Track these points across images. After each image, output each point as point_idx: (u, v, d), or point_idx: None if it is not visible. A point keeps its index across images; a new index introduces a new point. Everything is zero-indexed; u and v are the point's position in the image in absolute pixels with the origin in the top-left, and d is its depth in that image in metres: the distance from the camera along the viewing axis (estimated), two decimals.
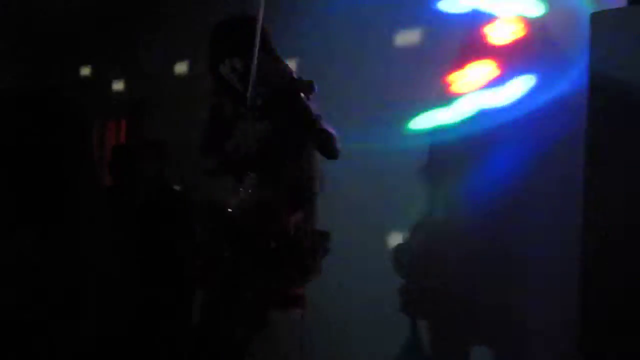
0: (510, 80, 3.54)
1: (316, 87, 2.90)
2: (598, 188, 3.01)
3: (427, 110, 3.77)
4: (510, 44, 3.59)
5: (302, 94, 2.88)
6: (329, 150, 2.94)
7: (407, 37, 3.98)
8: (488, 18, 3.64)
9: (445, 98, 3.70)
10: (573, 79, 3.28)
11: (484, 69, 3.62)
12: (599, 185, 3.01)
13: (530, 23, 3.54)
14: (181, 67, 5.09)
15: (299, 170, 2.97)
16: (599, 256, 2.97)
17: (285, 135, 2.94)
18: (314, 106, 2.92)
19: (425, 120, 3.79)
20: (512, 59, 3.54)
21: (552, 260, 3.33)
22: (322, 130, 2.92)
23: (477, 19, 3.66)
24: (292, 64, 3.25)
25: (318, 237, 2.99)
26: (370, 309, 3.82)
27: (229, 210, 2.92)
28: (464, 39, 3.70)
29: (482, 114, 3.59)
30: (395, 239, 3.86)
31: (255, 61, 2.87)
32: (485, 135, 3.52)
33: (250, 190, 2.92)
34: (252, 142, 2.92)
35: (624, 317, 2.87)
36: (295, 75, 2.96)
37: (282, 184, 2.95)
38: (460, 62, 3.68)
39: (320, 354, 3.46)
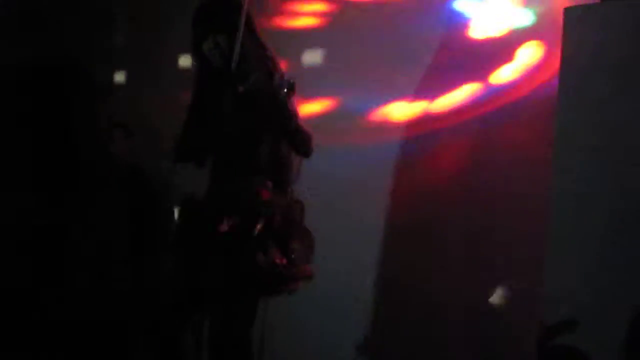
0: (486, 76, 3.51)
1: (296, 87, 2.89)
2: (567, 185, 2.97)
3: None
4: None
5: (281, 93, 2.86)
6: (303, 149, 2.98)
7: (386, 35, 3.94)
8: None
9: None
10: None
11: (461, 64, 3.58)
12: (567, 182, 2.97)
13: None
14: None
15: (274, 156, 2.95)
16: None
17: (262, 127, 2.93)
18: (293, 103, 2.92)
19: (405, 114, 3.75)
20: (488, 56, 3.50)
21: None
22: (297, 130, 2.94)
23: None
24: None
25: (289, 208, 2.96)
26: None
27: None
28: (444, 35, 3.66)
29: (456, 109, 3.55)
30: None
31: (240, 34, 2.84)
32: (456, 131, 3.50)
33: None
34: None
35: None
36: (277, 68, 2.95)
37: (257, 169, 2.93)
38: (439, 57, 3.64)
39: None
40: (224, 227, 2.81)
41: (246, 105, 2.92)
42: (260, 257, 2.80)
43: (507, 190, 3.37)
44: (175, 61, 4.35)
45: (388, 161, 3.72)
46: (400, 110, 3.75)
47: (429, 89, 3.65)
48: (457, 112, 3.55)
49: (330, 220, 3.49)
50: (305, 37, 4.01)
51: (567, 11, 3.04)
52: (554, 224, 2.99)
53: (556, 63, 3.06)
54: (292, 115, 2.93)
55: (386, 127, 3.76)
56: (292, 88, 2.87)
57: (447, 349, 3.51)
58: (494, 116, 3.43)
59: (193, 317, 2.92)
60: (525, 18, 3.43)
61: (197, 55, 2.98)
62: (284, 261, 2.83)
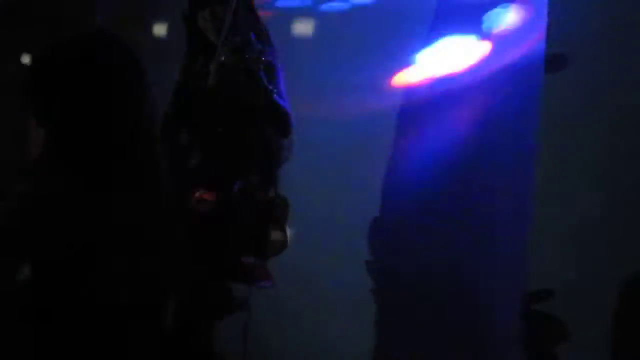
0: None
1: (266, 58, 2.82)
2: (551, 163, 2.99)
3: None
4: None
5: (253, 64, 2.82)
6: (279, 128, 2.88)
7: None
8: None
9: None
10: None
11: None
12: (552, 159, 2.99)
13: None
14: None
15: (260, 141, 2.89)
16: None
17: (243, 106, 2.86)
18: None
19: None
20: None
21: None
22: (273, 103, 2.85)
23: None
24: None
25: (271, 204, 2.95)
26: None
27: None
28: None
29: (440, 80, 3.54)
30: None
31: (232, 6, 2.79)
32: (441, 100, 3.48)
33: None
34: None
35: None
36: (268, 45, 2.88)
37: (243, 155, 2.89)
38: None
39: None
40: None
41: (226, 78, 2.88)
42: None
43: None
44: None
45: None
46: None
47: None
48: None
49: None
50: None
51: None
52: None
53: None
54: (264, 89, 2.82)
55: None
56: (261, 61, 2.80)
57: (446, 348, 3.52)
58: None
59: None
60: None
61: (191, 28, 2.91)
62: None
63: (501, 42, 3.38)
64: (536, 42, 3.17)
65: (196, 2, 2.90)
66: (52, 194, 1.56)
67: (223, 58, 2.85)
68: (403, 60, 3.59)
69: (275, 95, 2.83)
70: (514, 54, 3.33)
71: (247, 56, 2.79)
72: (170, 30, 4.34)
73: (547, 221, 2.93)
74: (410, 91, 3.59)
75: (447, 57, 3.47)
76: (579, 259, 2.89)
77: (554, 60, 2.91)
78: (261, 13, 3.01)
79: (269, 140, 2.91)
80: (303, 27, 3.85)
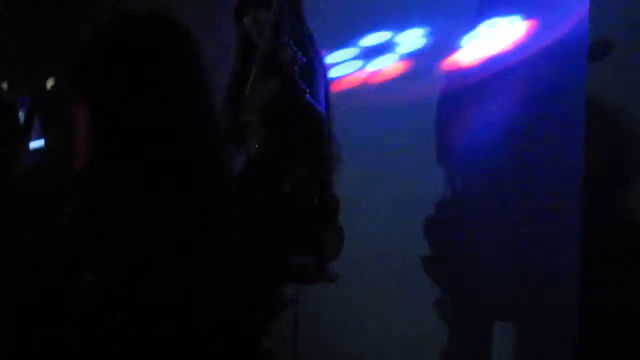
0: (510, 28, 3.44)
1: (299, 61, 2.84)
2: (598, 142, 2.94)
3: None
4: None
5: (289, 65, 2.83)
6: (313, 128, 2.90)
7: None
8: None
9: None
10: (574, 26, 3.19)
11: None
12: (599, 139, 2.95)
13: None
14: None
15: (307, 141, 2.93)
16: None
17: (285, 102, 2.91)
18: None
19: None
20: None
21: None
22: (305, 105, 2.87)
23: None
24: None
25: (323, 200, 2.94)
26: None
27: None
28: None
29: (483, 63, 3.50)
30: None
31: (276, 10, 2.83)
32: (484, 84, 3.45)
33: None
34: (257, 99, 2.91)
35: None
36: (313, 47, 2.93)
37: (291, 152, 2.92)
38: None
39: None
40: None
41: (267, 79, 2.92)
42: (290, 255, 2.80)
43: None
44: None
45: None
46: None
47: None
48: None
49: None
50: None
51: None
52: None
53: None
54: (300, 89, 2.84)
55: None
56: (294, 61, 2.81)
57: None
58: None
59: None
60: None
61: (239, 25, 3.02)
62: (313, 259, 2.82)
63: (544, 24, 3.35)
64: (578, 26, 3.14)
65: (243, 5, 2.99)
66: (104, 200, 1.45)
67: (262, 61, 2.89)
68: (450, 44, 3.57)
69: (307, 96, 2.84)
70: (555, 38, 3.30)
71: (280, 59, 2.79)
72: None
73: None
74: (457, 76, 3.57)
75: (492, 39, 3.44)
76: None
77: (598, 47, 2.86)
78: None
79: (314, 139, 2.94)
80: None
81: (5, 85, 4.18)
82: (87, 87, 1.48)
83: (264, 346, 2.84)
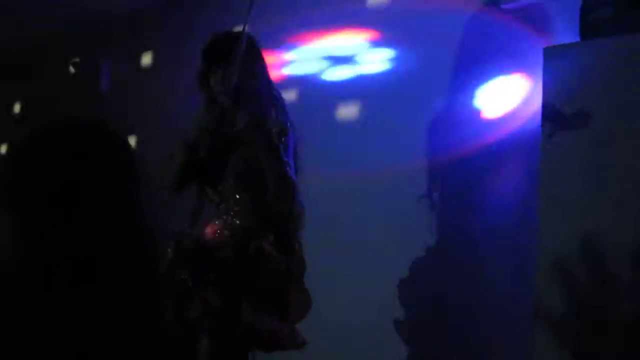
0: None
1: (288, 133, 2.88)
2: (550, 225, 2.99)
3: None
4: None
5: (274, 139, 2.85)
6: (286, 196, 2.90)
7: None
8: None
9: None
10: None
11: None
12: (551, 221, 2.99)
13: None
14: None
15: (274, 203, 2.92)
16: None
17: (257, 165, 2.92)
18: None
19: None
20: None
21: None
22: (285, 177, 2.88)
23: None
24: None
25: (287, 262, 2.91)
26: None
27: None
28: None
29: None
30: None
31: (235, 70, 2.86)
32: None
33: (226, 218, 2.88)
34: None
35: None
36: (281, 111, 2.95)
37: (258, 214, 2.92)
38: None
39: None
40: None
41: (240, 147, 2.93)
42: (251, 315, 2.75)
43: None
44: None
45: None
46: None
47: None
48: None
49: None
50: None
51: (546, 50, 3.07)
52: None
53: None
54: (283, 161, 2.87)
55: None
56: (283, 133, 2.85)
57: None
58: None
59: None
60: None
61: (205, 88, 3.03)
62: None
63: None
64: None
65: (207, 65, 3.00)
66: None
67: (240, 126, 2.89)
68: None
69: (287, 168, 2.85)
70: None
71: (270, 128, 2.81)
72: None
73: None
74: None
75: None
76: None
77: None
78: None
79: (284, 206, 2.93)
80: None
81: None
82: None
83: None
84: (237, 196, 2.92)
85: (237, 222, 2.90)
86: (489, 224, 3.46)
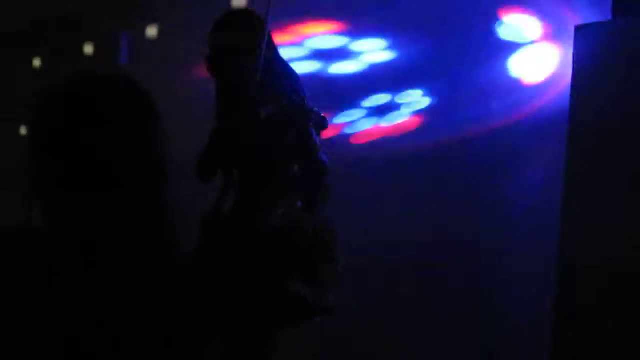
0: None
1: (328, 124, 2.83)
2: (576, 205, 2.97)
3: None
4: None
5: (310, 126, 2.81)
6: (318, 179, 2.88)
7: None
8: None
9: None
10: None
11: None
12: (577, 202, 2.97)
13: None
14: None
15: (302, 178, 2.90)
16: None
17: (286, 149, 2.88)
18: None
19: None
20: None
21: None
22: (319, 162, 2.85)
23: None
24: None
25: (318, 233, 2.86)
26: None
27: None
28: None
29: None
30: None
31: (262, 53, 2.74)
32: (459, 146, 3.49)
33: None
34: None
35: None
36: (306, 104, 2.85)
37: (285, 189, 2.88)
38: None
39: None
40: None
41: (268, 130, 2.84)
42: (289, 286, 2.71)
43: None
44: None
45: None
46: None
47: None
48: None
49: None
50: None
51: (578, 29, 3.03)
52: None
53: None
54: (318, 145, 2.85)
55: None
56: (324, 124, 2.83)
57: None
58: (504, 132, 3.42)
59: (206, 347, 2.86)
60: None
61: (217, 72, 2.86)
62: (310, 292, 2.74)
63: None
64: None
65: (218, 47, 2.84)
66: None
67: (263, 114, 2.82)
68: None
69: (320, 153, 2.83)
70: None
71: (307, 116, 2.77)
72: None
73: None
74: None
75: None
76: None
77: None
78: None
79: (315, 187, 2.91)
80: None
81: None
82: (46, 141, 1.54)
83: None
84: (262, 180, 2.88)
85: (261, 198, 2.86)
86: (514, 205, 3.42)
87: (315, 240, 2.80)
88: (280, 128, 2.82)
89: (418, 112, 3.78)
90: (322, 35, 4.07)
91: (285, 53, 3.05)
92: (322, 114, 2.84)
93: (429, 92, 3.71)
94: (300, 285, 2.73)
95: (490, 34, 3.54)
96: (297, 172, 2.88)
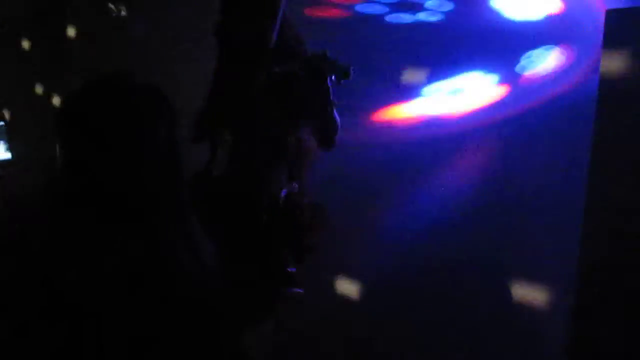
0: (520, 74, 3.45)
1: (352, 73, 2.76)
2: (601, 190, 2.93)
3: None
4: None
5: (332, 77, 2.75)
6: (328, 139, 2.84)
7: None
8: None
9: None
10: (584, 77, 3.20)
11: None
12: (602, 187, 2.94)
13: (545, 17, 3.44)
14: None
15: (298, 149, 2.83)
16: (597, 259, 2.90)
17: (293, 114, 2.81)
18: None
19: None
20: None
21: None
22: (331, 119, 2.80)
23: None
24: None
25: (313, 210, 2.86)
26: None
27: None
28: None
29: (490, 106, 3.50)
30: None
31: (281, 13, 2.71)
32: (491, 128, 3.44)
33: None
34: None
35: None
36: (328, 55, 2.79)
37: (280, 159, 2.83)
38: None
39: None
40: None
41: (279, 89, 2.80)
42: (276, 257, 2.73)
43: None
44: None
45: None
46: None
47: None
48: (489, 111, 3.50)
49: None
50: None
51: (609, 13, 2.99)
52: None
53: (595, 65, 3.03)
54: (332, 103, 2.79)
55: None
56: (348, 74, 2.74)
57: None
58: (531, 117, 3.37)
59: None
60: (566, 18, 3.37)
61: (225, 33, 2.83)
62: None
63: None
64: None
65: (230, 10, 2.82)
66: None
67: (278, 70, 2.79)
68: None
69: (335, 109, 2.78)
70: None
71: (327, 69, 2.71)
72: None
73: None
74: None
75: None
76: None
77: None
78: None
79: (308, 148, 2.87)
80: None
81: None
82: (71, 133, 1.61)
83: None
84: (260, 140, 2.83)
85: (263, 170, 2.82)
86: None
87: (308, 217, 2.80)
88: (291, 83, 2.77)
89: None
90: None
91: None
92: (347, 64, 2.77)
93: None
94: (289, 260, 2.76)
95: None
96: (316, 137, 2.83)
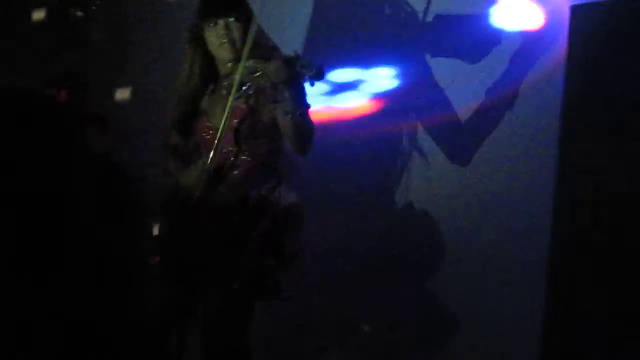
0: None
1: (325, 73, 2.71)
2: (569, 187, 2.97)
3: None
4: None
5: (305, 78, 2.69)
6: (303, 145, 2.80)
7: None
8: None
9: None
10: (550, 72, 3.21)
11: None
12: (570, 184, 2.98)
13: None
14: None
15: (271, 145, 2.83)
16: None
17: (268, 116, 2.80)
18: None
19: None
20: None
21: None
22: (306, 121, 2.75)
23: None
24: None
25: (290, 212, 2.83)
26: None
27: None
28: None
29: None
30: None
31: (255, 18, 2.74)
32: (456, 124, 3.44)
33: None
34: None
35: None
36: (298, 55, 2.72)
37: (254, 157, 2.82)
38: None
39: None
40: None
41: (253, 92, 2.80)
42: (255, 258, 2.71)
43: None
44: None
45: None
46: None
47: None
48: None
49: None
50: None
51: (574, 9, 3.02)
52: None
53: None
54: (307, 101, 2.75)
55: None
56: (321, 74, 2.67)
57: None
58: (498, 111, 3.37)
59: (180, 317, 2.83)
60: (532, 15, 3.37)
61: (197, 40, 2.85)
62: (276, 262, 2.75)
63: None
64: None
65: (205, 16, 2.83)
66: None
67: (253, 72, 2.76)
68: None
69: (309, 112, 2.75)
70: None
71: (301, 69, 2.68)
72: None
73: None
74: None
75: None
76: None
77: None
78: None
79: (282, 149, 2.85)
80: None
81: None
82: None
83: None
84: (240, 145, 2.81)
85: (236, 172, 2.80)
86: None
87: (287, 216, 2.79)
88: (271, 82, 2.74)
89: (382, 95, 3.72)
90: None
91: None
92: (321, 66, 2.70)
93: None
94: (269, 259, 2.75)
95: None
96: (289, 141, 2.82)
